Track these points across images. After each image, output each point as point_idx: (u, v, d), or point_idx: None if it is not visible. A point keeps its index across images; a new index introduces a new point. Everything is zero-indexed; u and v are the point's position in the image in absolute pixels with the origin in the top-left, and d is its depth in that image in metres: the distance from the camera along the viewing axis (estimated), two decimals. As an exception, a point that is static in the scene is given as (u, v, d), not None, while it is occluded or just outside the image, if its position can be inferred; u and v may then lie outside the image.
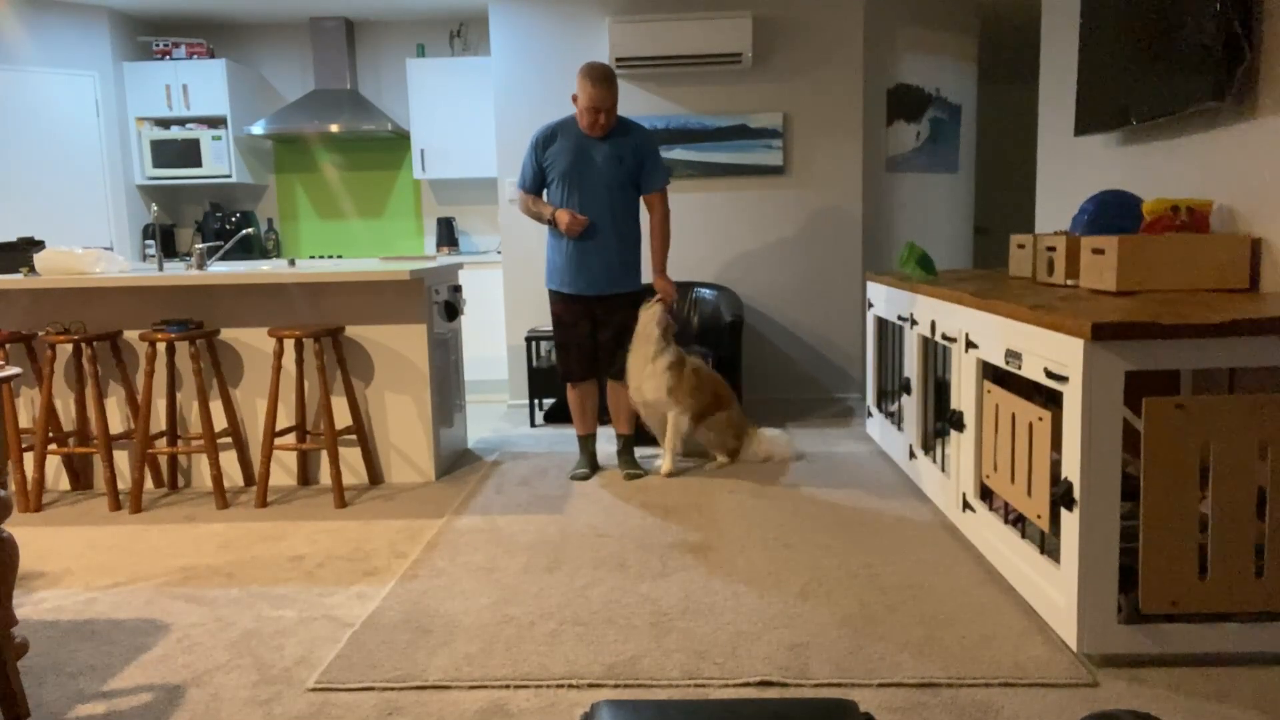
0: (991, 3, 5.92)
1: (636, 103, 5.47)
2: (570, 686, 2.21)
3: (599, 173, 3.81)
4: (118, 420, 4.09)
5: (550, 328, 4.55)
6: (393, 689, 2.22)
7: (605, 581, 2.85)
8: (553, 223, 3.82)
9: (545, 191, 3.94)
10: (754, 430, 4.33)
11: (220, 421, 4.06)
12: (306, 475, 4.13)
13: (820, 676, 2.22)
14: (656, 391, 3.96)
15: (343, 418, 4.05)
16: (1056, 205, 4.32)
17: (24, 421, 4.05)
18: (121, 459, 4.11)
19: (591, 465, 4.13)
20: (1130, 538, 2.23)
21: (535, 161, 3.87)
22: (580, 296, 3.92)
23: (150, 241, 6.29)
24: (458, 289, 4.49)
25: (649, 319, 3.95)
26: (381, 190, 6.61)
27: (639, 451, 4.46)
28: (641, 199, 3.98)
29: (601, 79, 3.68)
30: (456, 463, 4.40)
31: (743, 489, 3.81)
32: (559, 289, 3.96)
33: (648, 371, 3.95)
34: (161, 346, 3.98)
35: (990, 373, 2.95)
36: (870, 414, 4.64)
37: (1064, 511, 2.25)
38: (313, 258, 6.56)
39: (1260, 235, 2.78)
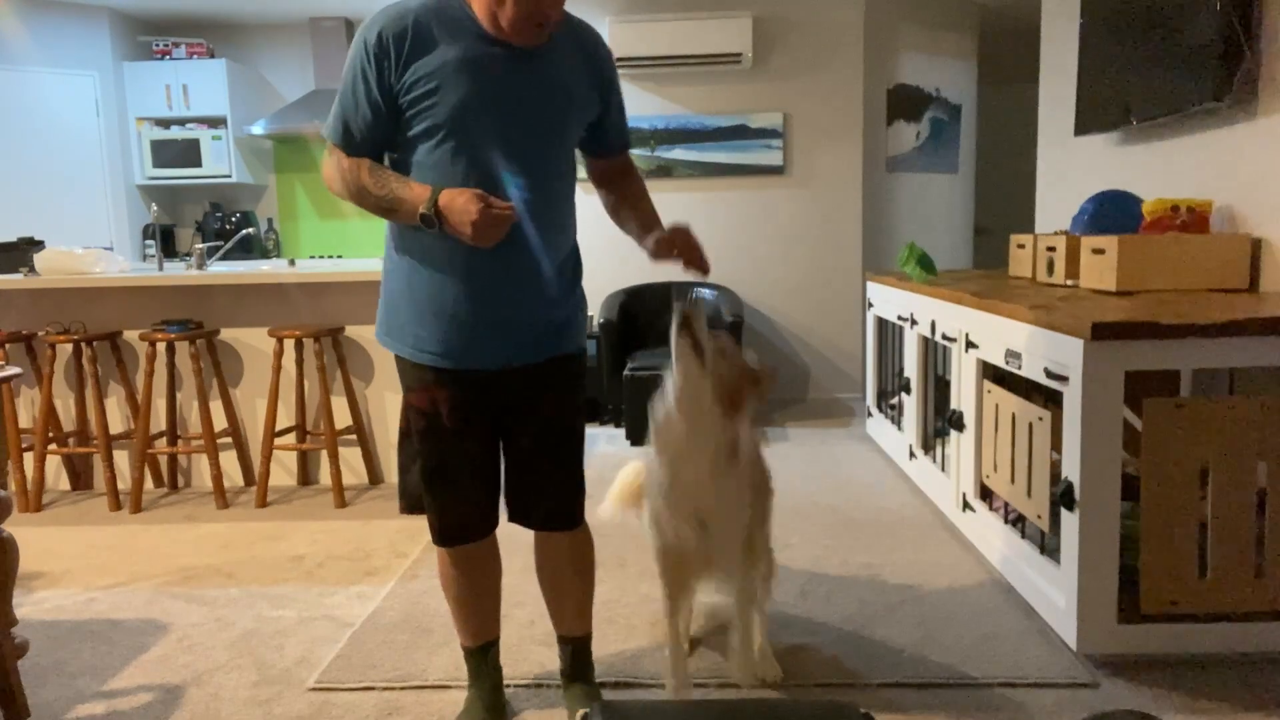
0: (991, 3, 5.92)
1: (637, 103, 5.47)
2: (570, 686, 2.20)
3: (529, 115, 1.78)
4: (118, 420, 4.09)
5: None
6: (393, 689, 2.22)
7: (605, 581, 2.84)
8: (433, 221, 1.69)
9: (390, 157, 1.84)
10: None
11: (220, 421, 4.06)
12: (306, 475, 4.13)
13: (820, 676, 2.22)
14: (726, 509, 1.92)
15: (343, 418, 4.04)
16: (1056, 205, 4.32)
17: (24, 421, 4.05)
18: (121, 459, 4.11)
19: (494, 709, 2.06)
20: (1130, 538, 2.23)
21: (377, 89, 1.74)
22: (480, 374, 1.86)
23: (150, 241, 6.28)
24: (458, 289, 4.48)
25: (691, 355, 1.80)
26: (381, 190, 6.60)
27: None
28: (593, 166, 2.05)
29: None
30: (456, 463, 4.39)
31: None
32: (436, 364, 1.85)
33: (711, 468, 1.86)
34: (161, 346, 3.97)
35: (990, 373, 2.95)
36: (870, 414, 4.63)
37: (1064, 511, 2.25)
38: (313, 258, 6.56)
39: (1260, 235, 2.78)
